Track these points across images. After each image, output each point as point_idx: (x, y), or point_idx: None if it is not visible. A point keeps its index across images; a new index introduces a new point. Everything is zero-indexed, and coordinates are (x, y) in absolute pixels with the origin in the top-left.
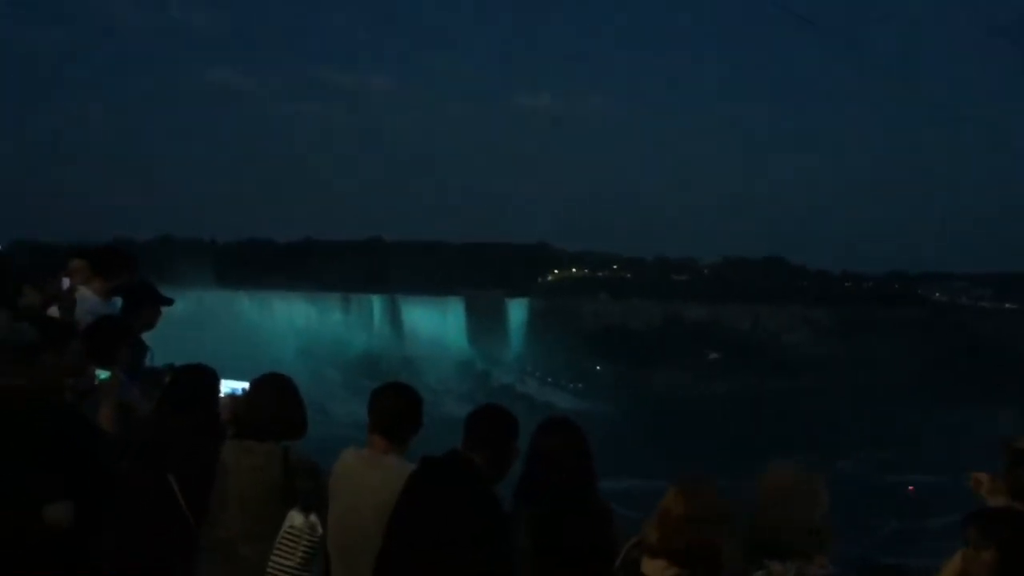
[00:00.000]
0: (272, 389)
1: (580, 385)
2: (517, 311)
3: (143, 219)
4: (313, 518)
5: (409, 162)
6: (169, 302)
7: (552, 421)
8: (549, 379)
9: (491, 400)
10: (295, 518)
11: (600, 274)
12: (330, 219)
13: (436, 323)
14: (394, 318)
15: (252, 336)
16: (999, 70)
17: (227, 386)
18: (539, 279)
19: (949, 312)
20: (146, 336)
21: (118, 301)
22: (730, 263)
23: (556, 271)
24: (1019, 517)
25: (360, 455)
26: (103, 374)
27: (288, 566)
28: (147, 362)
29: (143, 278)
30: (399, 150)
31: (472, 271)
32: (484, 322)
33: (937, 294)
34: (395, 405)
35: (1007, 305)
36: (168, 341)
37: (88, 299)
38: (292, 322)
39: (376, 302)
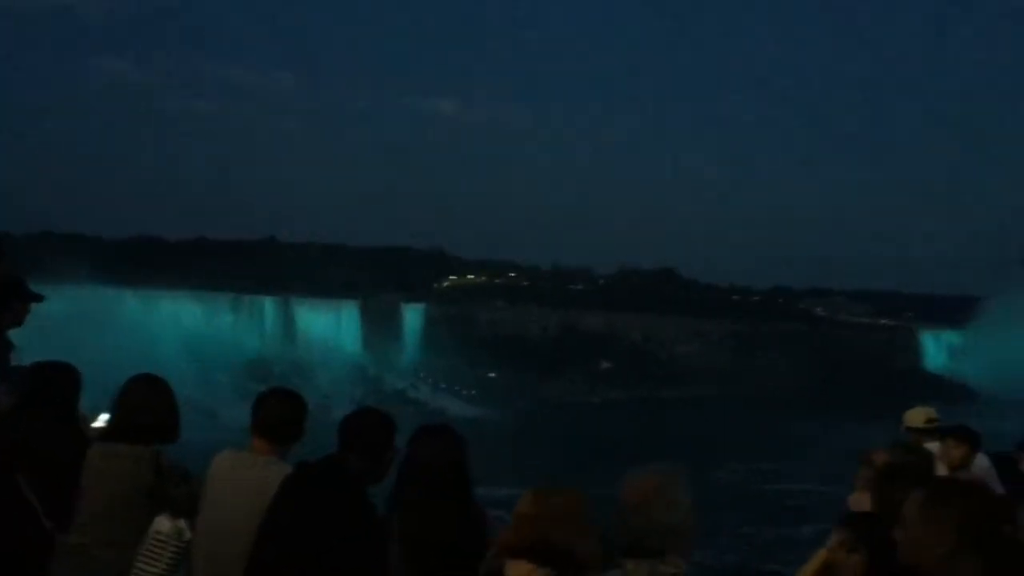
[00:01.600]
0: (145, 390)
1: (474, 392)
2: (413, 317)
3: (21, 212)
4: (181, 523)
5: (306, 162)
6: (38, 298)
7: (429, 427)
8: (443, 385)
9: (383, 405)
10: (162, 523)
11: (497, 281)
12: (223, 218)
13: (330, 327)
14: (287, 321)
15: (137, 336)
16: (882, 85)
17: (102, 420)
18: (435, 285)
19: (829, 327)
20: (18, 335)
21: None
22: (624, 274)
23: (453, 277)
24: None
25: (238, 457)
26: None
27: (152, 573)
28: (12, 361)
29: (13, 273)
30: (296, 150)
31: (368, 275)
32: (379, 327)
33: (819, 309)
34: (280, 409)
35: (883, 321)
36: (47, 340)
37: None
38: (180, 323)
39: (268, 304)
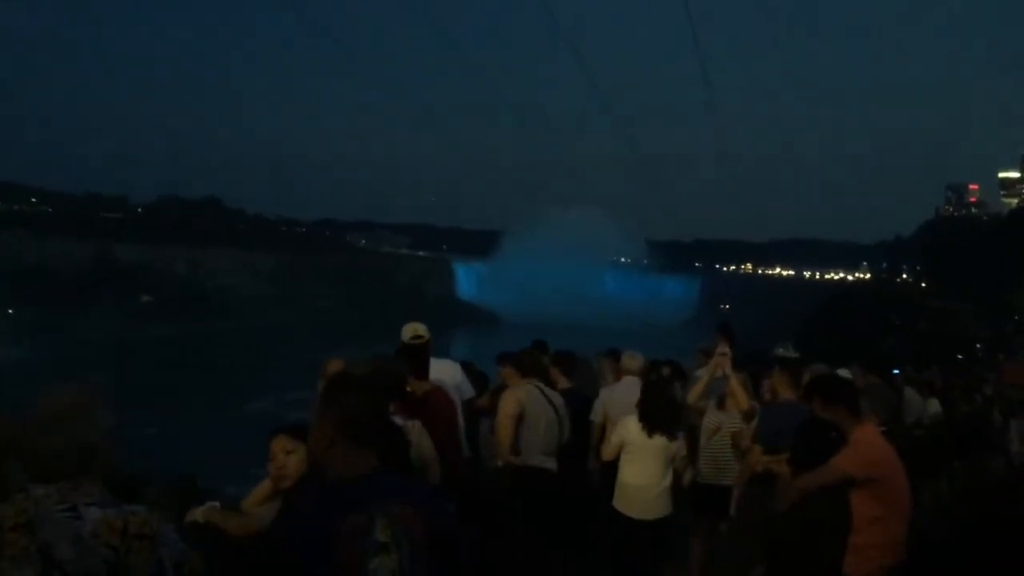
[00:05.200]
0: None
1: None
2: None
3: None
4: None
5: None
6: None
7: None
8: None
9: None
10: None
11: (17, 208)
12: None
13: None
14: None
15: None
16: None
17: None
18: None
19: (372, 258)
20: None
21: None
22: (165, 203)
23: None
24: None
25: None
26: None
27: None
28: None
29: None
30: None
31: None
32: None
33: (363, 241)
34: None
35: (421, 253)
36: None
37: None
38: None
39: None
